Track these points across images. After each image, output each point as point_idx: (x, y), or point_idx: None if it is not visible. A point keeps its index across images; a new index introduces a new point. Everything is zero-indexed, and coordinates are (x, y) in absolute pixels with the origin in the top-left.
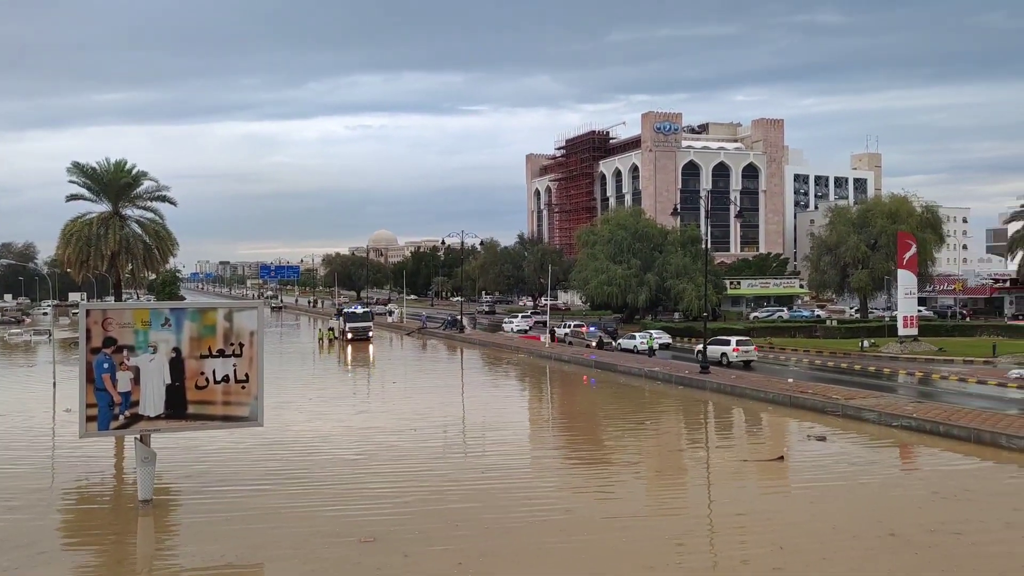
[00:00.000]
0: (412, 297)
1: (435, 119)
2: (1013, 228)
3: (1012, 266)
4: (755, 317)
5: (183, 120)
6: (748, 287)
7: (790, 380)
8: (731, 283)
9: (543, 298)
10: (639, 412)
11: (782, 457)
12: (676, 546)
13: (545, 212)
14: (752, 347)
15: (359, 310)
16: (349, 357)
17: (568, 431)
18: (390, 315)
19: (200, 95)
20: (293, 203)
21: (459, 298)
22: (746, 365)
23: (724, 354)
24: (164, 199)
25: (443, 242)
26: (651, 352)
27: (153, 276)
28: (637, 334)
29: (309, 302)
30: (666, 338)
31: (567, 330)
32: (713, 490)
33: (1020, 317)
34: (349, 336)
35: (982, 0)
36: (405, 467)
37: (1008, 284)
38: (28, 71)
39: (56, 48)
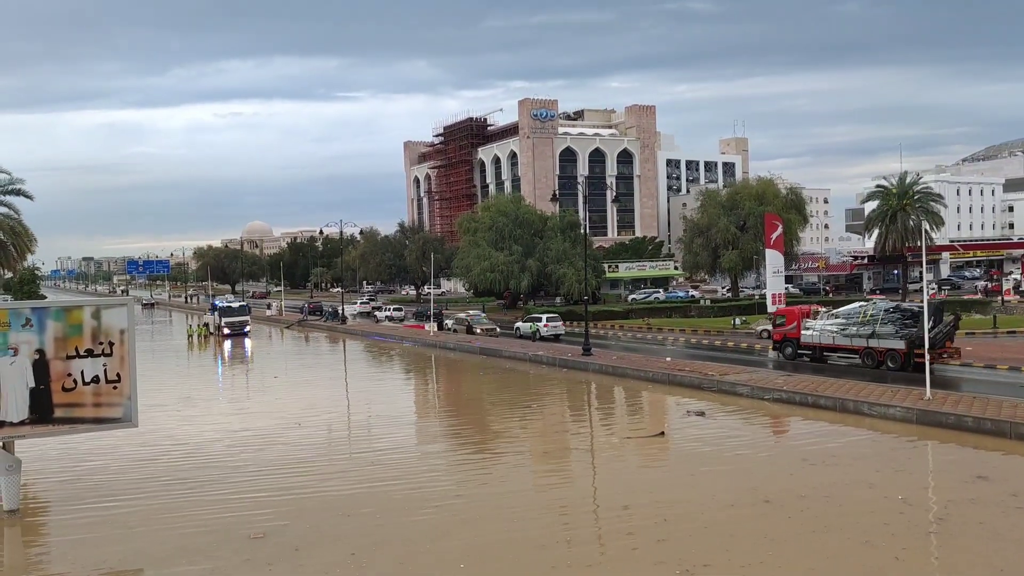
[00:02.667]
0: (287, 289)
1: (309, 105)
2: (870, 207)
3: (870, 243)
4: (633, 299)
5: (35, 108)
6: (626, 270)
7: (668, 359)
8: (609, 267)
9: (426, 287)
10: (523, 395)
11: (663, 433)
12: (563, 525)
13: (425, 200)
14: (560, 323)
15: (235, 304)
16: (227, 353)
17: (454, 417)
18: (269, 308)
19: (53, 81)
20: (160, 195)
21: (339, 289)
22: (556, 339)
23: (537, 330)
24: (19, 192)
25: (321, 232)
26: (535, 337)
27: (10, 275)
28: (521, 323)
29: (186, 298)
30: (559, 325)
31: (459, 317)
32: (597, 468)
33: (878, 291)
34: (225, 331)
35: None
36: (292, 462)
37: (866, 260)
38: None
39: None
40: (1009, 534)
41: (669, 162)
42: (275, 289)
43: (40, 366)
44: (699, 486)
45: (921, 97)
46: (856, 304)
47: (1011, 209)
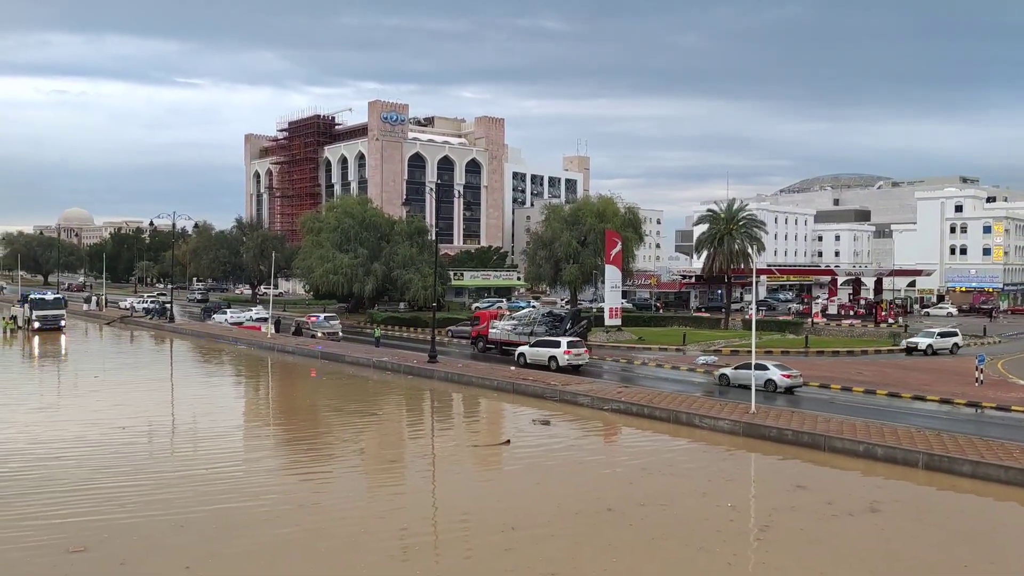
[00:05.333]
0: (109, 283)
1: (144, 89)
2: (699, 230)
3: (698, 264)
4: (477, 307)
5: None
6: (471, 279)
7: (512, 368)
8: (455, 275)
9: (263, 286)
10: (366, 402)
11: (508, 441)
12: (402, 532)
13: (266, 196)
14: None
15: (49, 296)
16: (37, 350)
17: (292, 424)
18: (87, 303)
19: None
20: None
21: (165, 284)
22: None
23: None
24: None
25: (151, 224)
26: (377, 342)
27: None
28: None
29: None
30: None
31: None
32: (441, 475)
33: (702, 309)
34: (36, 325)
35: (682, 21)
36: (117, 469)
37: (694, 280)
38: None
39: None
40: (827, 539)
41: (515, 175)
42: (96, 281)
43: None
44: (545, 494)
45: (746, 129)
46: (525, 311)
47: (820, 239)
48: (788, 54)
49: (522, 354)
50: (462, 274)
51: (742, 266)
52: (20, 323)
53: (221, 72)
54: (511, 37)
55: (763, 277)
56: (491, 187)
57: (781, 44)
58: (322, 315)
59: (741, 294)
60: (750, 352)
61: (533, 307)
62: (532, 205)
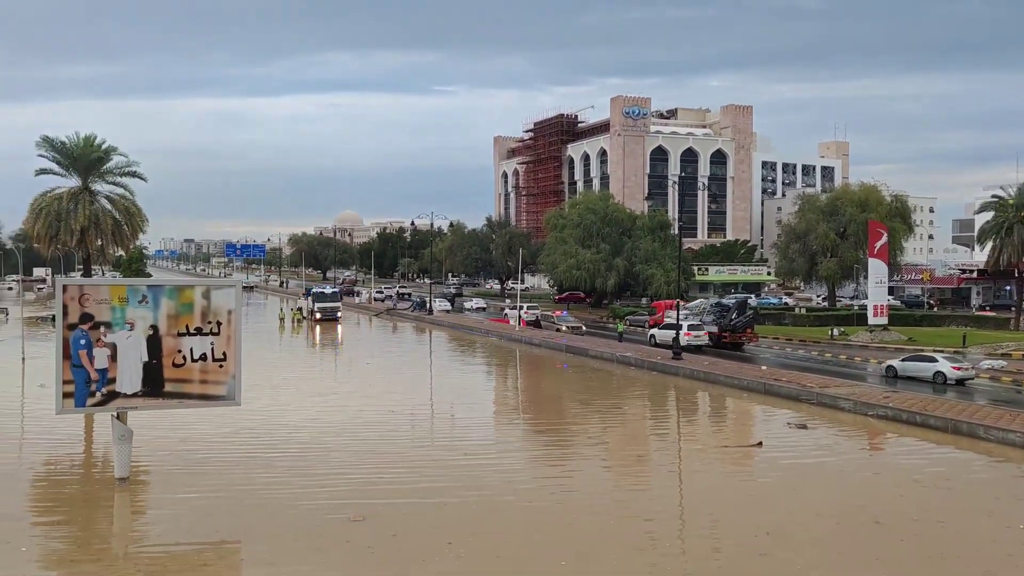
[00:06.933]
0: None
1: (405, 98)
2: (982, 219)
3: (980, 256)
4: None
5: (150, 95)
6: (716, 273)
7: (763, 368)
8: (699, 269)
9: (511, 281)
10: (610, 396)
11: (761, 443)
12: (648, 528)
13: (513, 195)
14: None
15: (328, 290)
16: (318, 338)
17: (545, 415)
18: (357, 296)
19: (168, 70)
20: (258, 181)
21: (426, 279)
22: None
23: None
24: (134, 175)
25: (412, 224)
26: (620, 337)
27: (121, 253)
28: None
29: (281, 283)
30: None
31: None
32: (688, 474)
33: (987, 307)
34: (318, 316)
35: None
36: (388, 449)
37: (975, 274)
38: None
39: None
40: None
41: (764, 164)
42: (365, 277)
43: (153, 342)
44: (802, 501)
45: None
46: (697, 301)
47: None
48: None
49: (653, 335)
50: (707, 269)
51: None
52: (305, 314)
53: (473, 78)
54: (762, 20)
55: None
56: (738, 178)
57: None
58: (565, 311)
59: None
60: None
61: (711, 299)
62: (783, 196)
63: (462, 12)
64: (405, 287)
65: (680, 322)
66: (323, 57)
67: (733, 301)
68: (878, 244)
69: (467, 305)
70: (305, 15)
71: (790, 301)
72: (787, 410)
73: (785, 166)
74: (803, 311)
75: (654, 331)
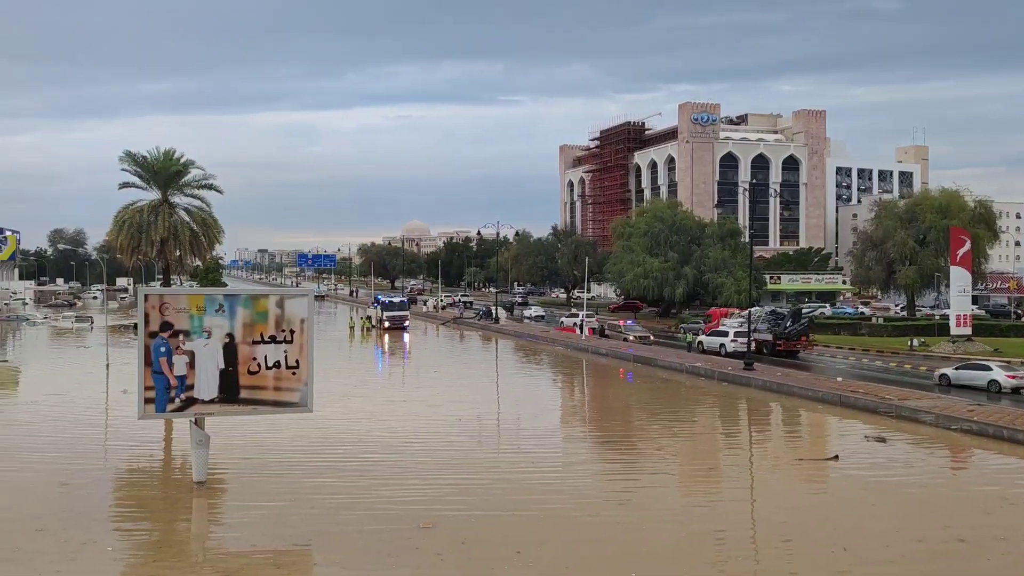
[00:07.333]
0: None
1: (471, 108)
2: None
3: None
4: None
5: (225, 110)
6: (788, 282)
7: (839, 379)
8: (771, 278)
9: (576, 290)
10: (679, 407)
11: (837, 457)
12: (718, 541)
13: (578, 204)
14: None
15: (396, 299)
16: (387, 346)
17: (612, 426)
18: (425, 305)
19: (239, 84)
20: (328, 192)
21: (492, 289)
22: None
23: (695, 340)
24: (211, 187)
25: (478, 233)
26: (690, 347)
27: (199, 263)
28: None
29: (352, 292)
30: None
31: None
32: (760, 487)
33: None
34: (386, 325)
35: None
36: (456, 457)
37: None
38: (75, 61)
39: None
40: None
41: (839, 170)
42: (432, 286)
43: (229, 349)
44: (881, 516)
45: None
46: (754, 309)
47: None
48: None
49: (700, 342)
50: (779, 277)
51: None
52: (374, 322)
53: (538, 87)
54: (836, 22)
55: None
56: (811, 184)
57: None
58: (632, 320)
59: None
60: None
61: (763, 307)
62: (859, 202)
63: (529, 22)
64: (467, 295)
65: (727, 329)
66: (391, 69)
67: (787, 310)
68: (960, 251)
69: (526, 313)
70: (374, 28)
71: (867, 311)
72: (864, 423)
73: (861, 171)
74: (880, 321)
75: (701, 338)
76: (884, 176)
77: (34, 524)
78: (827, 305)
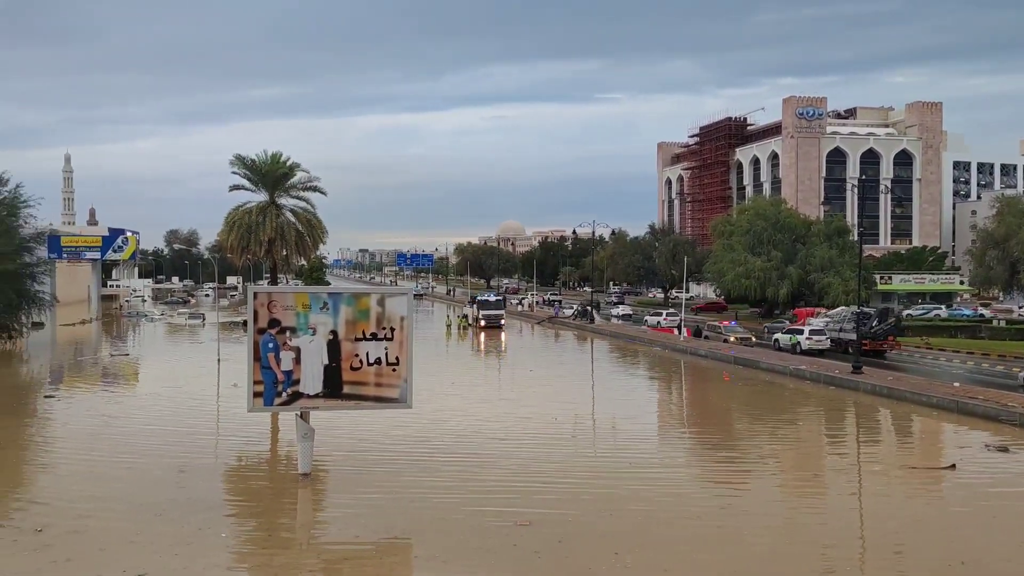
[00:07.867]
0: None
1: (567, 108)
2: None
3: None
4: (909, 315)
5: (325, 113)
6: (900, 283)
7: (956, 384)
8: (881, 278)
9: (674, 290)
10: (783, 411)
11: (954, 466)
12: (825, 549)
13: (676, 202)
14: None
15: (492, 298)
16: (483, 345)
17: (713, 429)
18: (521, 302)
19: (340, 88)
20: (426, 193)
21: (587, 288)
22: (821, 353)
23: (798, 342)
24: (315, 189)
25: (574, 232)
26: (795, 349)
27: (303, 262)
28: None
29: (448, 291)
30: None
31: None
32: (870, 495)
33: None
34: (482, 323)
35: None
36: (552, 456)
37: None
38: (192, 71)
39: (214, 48)
40: None
41: (956, 164)
42: (528, 285)
43: (333, 346)
44: (1003, 530)
45: None
46: (839, 309)
47: None
48: None
49: (777, 339)
50: (890, 277)
51: None
52: (470, 321)
53: (636, 84)
54: (950, 11)
55: None
56: (925, 179)
57: None
58: (734, 320)
59: None
60: None
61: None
62: (979, 198)
63: (626, 18)
64: (556, 294)
65: (802, 327)
66: (489, 70)
67: (874, 310)
68: None
69: (613, 312)
70: (471, 30)
71: (987, 312)
72: (985, 431)
73: (980, 166)
74: (1002, 324)
75: (778, 335)
76: (1007, 170)
77: (154, 510)
78: (942, 307)
